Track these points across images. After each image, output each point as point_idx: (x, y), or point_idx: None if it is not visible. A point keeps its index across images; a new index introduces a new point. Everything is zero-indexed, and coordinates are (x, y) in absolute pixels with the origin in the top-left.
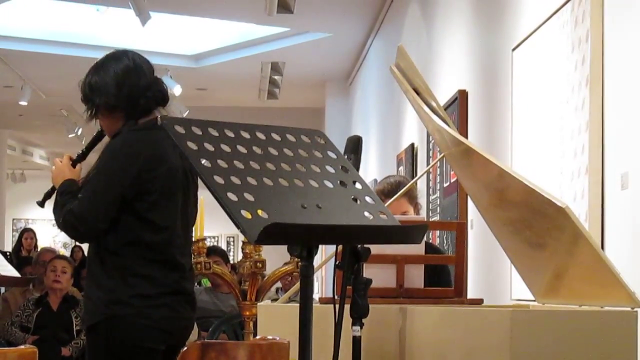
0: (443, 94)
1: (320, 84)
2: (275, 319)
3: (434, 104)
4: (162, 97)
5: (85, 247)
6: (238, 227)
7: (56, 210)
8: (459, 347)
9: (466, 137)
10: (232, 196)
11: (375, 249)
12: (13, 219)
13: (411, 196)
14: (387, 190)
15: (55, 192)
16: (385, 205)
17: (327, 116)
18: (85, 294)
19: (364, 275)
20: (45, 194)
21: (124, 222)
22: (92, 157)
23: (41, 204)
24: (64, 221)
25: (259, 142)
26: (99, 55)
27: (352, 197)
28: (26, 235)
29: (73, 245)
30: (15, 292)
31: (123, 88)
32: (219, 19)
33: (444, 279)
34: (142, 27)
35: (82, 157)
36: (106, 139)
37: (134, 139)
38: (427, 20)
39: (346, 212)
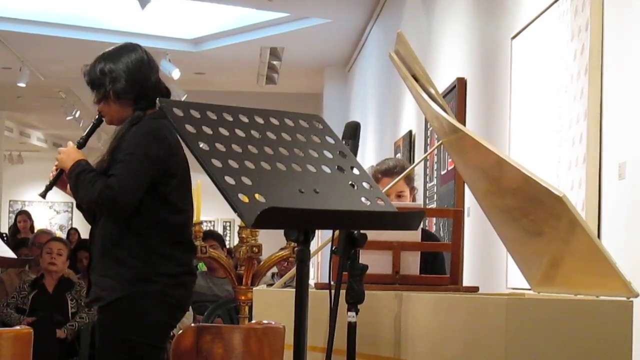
0: (442, 82)
1: (319, 70)
2: (270, 303)
3: (432, 91)
4: (167, 92)
5: (81, 229)
6: (235, 211)
7: (83, 188)
8: (454, 335)
9: (464, 124)
10: (229, 180)
11: (372, 235)
12: (10, 201)
13: (408, 178)
14: (384, 169)
15: (71, 172)
16: (382, 184)
17: (326, 102)
18: (102, 273)
19: (360, 261)
20: (46, 186)
21: (147, 204)
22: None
23: (43, 195)
24: (101, 196)
25: (257, 126)
26: (98, 38)
27: (350, 182)
28: (19, 218)
29: (69, 227)
30: (12, 273)
31: (135, 78)
32: (219, 3)
33: (439, 264)
34: (142, 11)
35: (83, 143)
36: (105, 127)
37: (159, 126)
38: (427, 7)
39: (343, 197)
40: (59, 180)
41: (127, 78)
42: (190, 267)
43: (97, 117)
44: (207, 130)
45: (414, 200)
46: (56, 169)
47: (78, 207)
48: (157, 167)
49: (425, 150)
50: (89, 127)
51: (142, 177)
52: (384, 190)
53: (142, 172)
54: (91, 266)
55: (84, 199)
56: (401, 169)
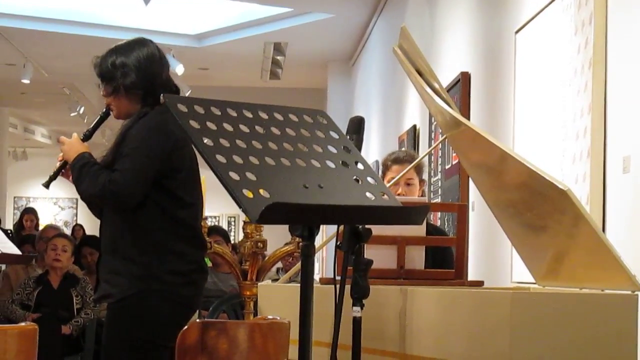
0: (445, 76)
1: (323, 65)
2: (275, 299)
3: (436, 85)
4: (176, 90)
5: (86, 225)
6: (240, 206)
7: (86, 182)
8: (459, 329)
9: (468, 119)
10: (234, 175)
11: (377, 229)
12: (14, 197)
13: (418, 167)
14: (394, 157)
15: (74, 165)
16: (392, 172)
17: (329, 97)
18: (111, 270)
19: (364, 256)
20: (50, 176)
21: (155, 199)
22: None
23: (47, 185)
24: (104, 190)
25: (261, 122)
26: (102, 34)
27: (354, 177)
28: (26, 217)
29: (74, 223)
30: (18, 267)
31: (145, 73)
32: None
33: (448, 258)
34: (145, 6)
35: (89, 136)
36: (110, 123)
37: (166, 120)
38: (431, 1)
39: (348, 192)
40: (62, 170)
41: (137, 73)
42: (201, 264)
43: (104, 110)
44: (211, 125)
45: (422, 192)
46: (61, 159)
47: (83, 199)
48: (163, 161)
49: (430, 145)
50: (96, 119)
51: (147, 172)
52: (394, 178)
53: (147, 167)
54: (100, 262)
55: (87, 192)
56: (411, 157)
